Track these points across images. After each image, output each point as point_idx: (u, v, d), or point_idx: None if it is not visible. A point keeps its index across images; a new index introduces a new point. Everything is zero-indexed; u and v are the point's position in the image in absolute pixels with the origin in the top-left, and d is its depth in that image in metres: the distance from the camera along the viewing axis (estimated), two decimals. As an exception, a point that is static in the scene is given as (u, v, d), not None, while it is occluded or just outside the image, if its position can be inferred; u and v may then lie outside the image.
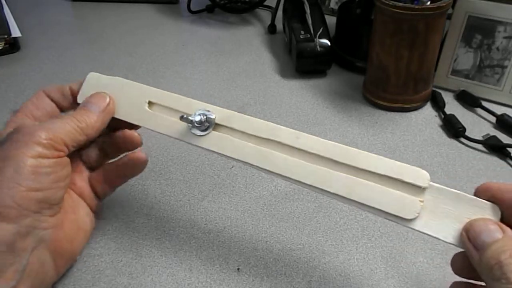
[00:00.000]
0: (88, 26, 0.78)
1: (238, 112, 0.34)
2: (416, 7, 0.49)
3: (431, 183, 0.29)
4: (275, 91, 0.60)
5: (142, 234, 0.40)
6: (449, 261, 0.31)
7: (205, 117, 0.33)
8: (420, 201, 0.28)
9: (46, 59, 0.67)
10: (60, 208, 0.33)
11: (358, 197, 0.30)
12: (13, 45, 0.68)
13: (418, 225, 0.29)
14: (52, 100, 0.37)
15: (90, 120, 0.34)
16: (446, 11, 0.51)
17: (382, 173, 0.29)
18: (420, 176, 0.29)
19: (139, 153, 0.38)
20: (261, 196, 0.44)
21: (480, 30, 0.56)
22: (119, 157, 0.39)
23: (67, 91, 0.37)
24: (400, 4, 0.49)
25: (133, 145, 0.38)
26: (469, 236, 0.27)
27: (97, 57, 0.68)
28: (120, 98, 0.37)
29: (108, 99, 0.36)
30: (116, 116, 0.37)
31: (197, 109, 0.34)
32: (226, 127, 0.34)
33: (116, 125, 0.37)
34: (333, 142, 0.31)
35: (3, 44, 0.67)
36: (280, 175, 0.32)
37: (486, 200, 0.28)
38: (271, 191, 0.45)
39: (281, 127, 0.33)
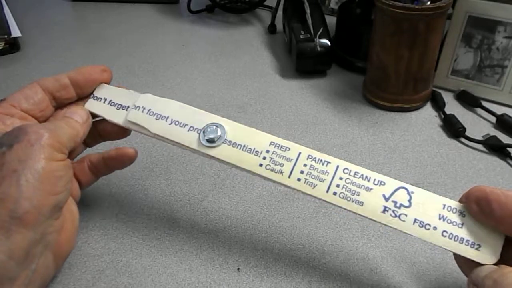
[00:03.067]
0: (88, 26, 0.78)
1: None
2: (416, 7, 0.49)
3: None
4: (275, 91, 0.60)
5: (142, 234, 0.40)
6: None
7: (215, 132, 0.34)
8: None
9: (46, 59, 0.67)
10: (62, 212, 0.33)
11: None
12: (13, 45, 0.68)
13: None
14: (48, 91, 0.36)
15: (77, 128, 0.35)
16: (446, 11, 0.51)
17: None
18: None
19: (127, 149, 0.38)
20: (261, 196, 0.44)
21: (480, 30, 0.56)
22: (108, 151, 0.39)
23: (65, 80, 0.37)
24: (400, 4, 0.49)
25: (117, 135, 0.38)
26: (472, 281, 0.29)
27: (97, 57, 0.68)
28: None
29: (86, 112, 0.36)
30: (135, 122, 0.37)
31: (204, 122, 0.35)
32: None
33: (103, 134, 0.38)
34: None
35: (3, 44, 0.67)
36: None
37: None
38: (271, 191, 0.45)
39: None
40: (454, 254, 0.31)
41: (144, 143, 0.51)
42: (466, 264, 0.30)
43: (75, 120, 0.35)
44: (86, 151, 0.40)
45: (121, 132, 0.38)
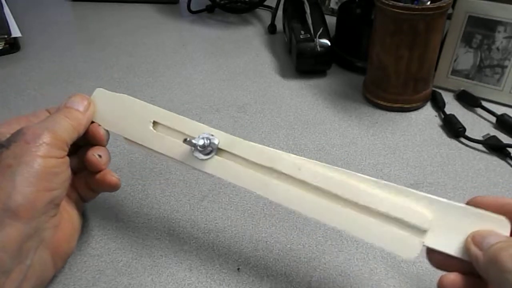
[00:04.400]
0: (88, 26, 0.78)
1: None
2: (416, 7, 0.49)
3: (439, 198, 0.29)
4: (275, 91, 0.60)
5: (142, 234, 0.40)
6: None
7: (208, 141, 0.33)
8: (421, 241, 0.29)
9: (46, 59, 0.67)
10: (59, 209, 0.33)
11: (357, 233, 0.30)
12: (13, 45, 0.68)
13: (429, 242, 0.29)
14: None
15: (78, 118, 0.35)
16: (446, 11, 0.51)
17: (384, 211, 0.29)
18: (422, 219, 0.29)
19: (110, 177, 0.36)
20: (261, 196, 0.44)
21: (480, 30, 0.56)
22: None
23: None
24: (400, 4, 0.49)
25: (93, 168, 0.37)
26: (474, 241, 0.27)
27: (97, 57, 0.68)
28: (125, 116, 0.37)
29: (88, 100, 0.36)
30: (120, 133, 0.37)
31: (202, 132, 0.34)
32: (229, 152, 0.34)
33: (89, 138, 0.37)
34: (336, 174, 0.31)
35: (3, 44, 0.67)
36: (280, 204, 0.32)
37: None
38: (271, 191, 0.45)
39: (284, 156, 0.32)
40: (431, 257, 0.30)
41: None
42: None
43: (76, 109, 0.35)
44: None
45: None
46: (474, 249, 0.27)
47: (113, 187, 0.37)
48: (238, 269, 0.37)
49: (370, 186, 0.30)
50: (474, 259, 0.27)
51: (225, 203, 0.43)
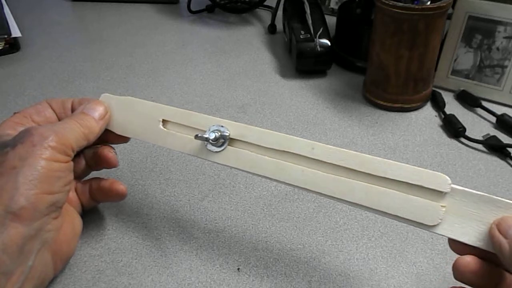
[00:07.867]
0: (88, 26, 0.78)
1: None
2: (416, 7, 0.49)
3: (453, 185, 0.28)
4: (275, 91, 0.60)
5: (142, 234, 0.40)
6: (449, 261, 0.31)
7: (219, 133, 0.34)
8: (442, 206, 0.28)
9: (46, 59, 0.67)
10: (61, 211, 0.33)
11: (379, 206, 0.29)
12: (13, 45, 0.68)
13: (441, 230, 0.28)
14: (53, 110, 0.37)
15: (91, 125, 0.35)
16: (446, 11, 0.51)
17: (402, 180, 0.29)
18: (441, 181, 0.28)
19: (120, 185, 0.38)
20: (261, 196, 0.44)
21: (480, 30, 0.56)
22: (105, 179, 0.39)
23: (68, 105, 0.38)
24: (400, 4, 0.50)
25: (109, 164, 0.38)
26: (499, 228, 0.26)
27: (97, 57, 0.68)
28: (133, 117, 0.37)
29: (105, 107, 0.37)
30: (130, 135, 0.37)
31: (211, 125, 0.34)
32: (241, 141, 0.34)
33: (104, 137, 0.38)
34: (349, 150, 0.31)
35: (3, 44, 0.67)
36: (298, 186, 0.32)
37: None
38: (271, 191, 0.45)
39: (296, 137, 0.32)
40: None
41: (144, 143, 0.51)
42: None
43: (92, 117, 0.35)
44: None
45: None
46: (498, 236, 0.26)
47: (121, 196, 0.38)
48: (238, 269, 0.37)
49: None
50: (497, 246, 0.26)
51: (225, 203, 0.43)
